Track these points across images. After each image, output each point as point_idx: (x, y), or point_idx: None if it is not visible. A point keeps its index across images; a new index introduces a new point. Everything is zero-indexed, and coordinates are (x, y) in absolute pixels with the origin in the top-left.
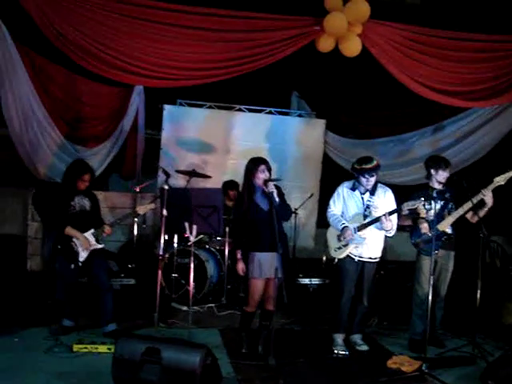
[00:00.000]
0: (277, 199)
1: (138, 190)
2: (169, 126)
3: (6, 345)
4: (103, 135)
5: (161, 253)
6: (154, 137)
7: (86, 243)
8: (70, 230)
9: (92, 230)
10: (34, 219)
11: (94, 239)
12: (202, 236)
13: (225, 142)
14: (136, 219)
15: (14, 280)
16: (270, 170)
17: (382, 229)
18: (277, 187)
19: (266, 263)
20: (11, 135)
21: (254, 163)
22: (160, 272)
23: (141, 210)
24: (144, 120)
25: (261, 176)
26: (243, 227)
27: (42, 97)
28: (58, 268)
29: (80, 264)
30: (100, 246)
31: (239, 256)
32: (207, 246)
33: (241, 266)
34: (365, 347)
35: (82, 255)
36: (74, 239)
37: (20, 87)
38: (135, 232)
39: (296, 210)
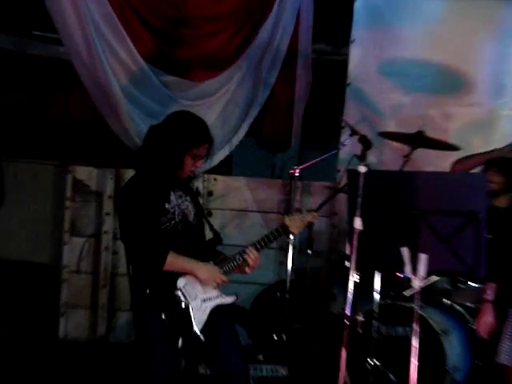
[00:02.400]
0: None
1: (297, 172)
2: (365, 33)
3: None
4: (224, 55)
5: (347, 312)
6: (331, 58)
7: (214, 277)
8: (173, 260)
9: (210, 264)
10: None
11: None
12: (436, 278)
13: (490, 69)
14: (291, 238)
15: None
16: None
17: None
18: None
19: None
20: (75, 65)
21: None
22: (343, 353)
23: (295, 224)
24: (310, 27)
25: None
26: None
27: None
28: (149, 344)
29: (201, 336)
30: (231, 300)
31: (488, 295)
32: (447, 302)
33: (485, 320)
34: None
35: (199, 319)
36: (181, 284)
37: None
38: (289, 263)
39: None
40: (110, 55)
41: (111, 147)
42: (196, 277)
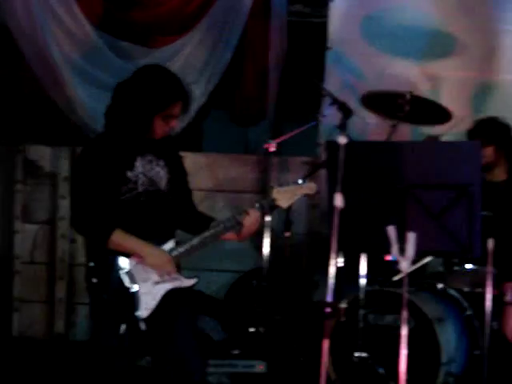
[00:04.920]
0: None
1: (272, 147)
2: None
3: None
4: (183, 17)
5: (328, 299)
6: (310, 20)
7: (162, 264)
8: (119, 239)
9: (171, 242)
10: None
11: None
12: (428, 258)
13: (483, 32)
14: (268, 219)
15: None
16: None
17: None
18: None
19: None
20: (13, 32)
21: None
22: (325, 345)
23: (284, 196)
24: None
25: None
26: None
27: None
28: (93, 332)
29: (142, 324)
30: (190, 282)
31: (510, 298)
32: (440, 286)
33: None
34: None
35: (146, 304)
36: (127, 263)
37: None
38: (266, 248)
39: None
40: (51, 20)
41: (66, 124)
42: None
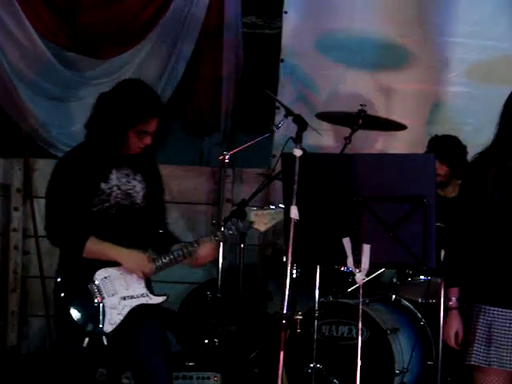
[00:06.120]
0: None
1: (227, 159)
2: (300, 3)
3: None
4: (134, 27)
5: (284, 310)
6: (263, 32)
7: (141, 266)
8: (94, 246)
9: (137, 252)
10: None
11: (142, 281)
12: (381, 270)
13: (430, 42)
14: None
15: None
16: None
17: None
18: None
19: None
20: None
21: None
22: (281, 357)
23: (261, 222)
24: None
25: None
26: (469, 243)
27: None
28: (55, 345)
29: (104, 340)
30: (159, 300)
31: (453, 303)
32: (394, 297)
33: (454, 328)
34: None
35: (111, 319)
36: (100, 277)
37: None
38: (220, 259)
39: None
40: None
41: (18, 134)
42: (121, 265)
